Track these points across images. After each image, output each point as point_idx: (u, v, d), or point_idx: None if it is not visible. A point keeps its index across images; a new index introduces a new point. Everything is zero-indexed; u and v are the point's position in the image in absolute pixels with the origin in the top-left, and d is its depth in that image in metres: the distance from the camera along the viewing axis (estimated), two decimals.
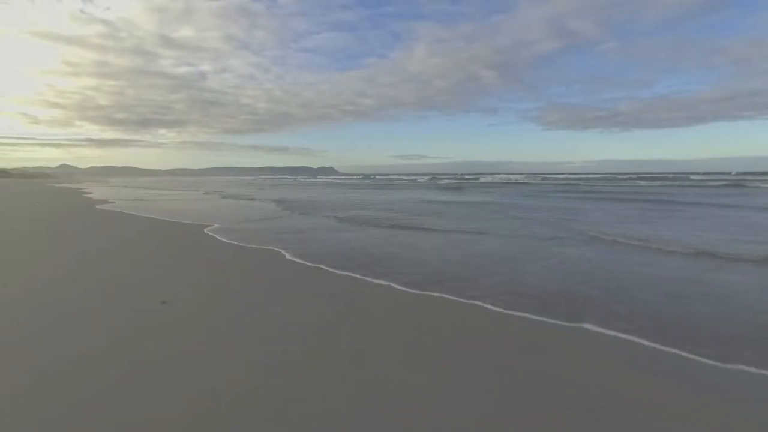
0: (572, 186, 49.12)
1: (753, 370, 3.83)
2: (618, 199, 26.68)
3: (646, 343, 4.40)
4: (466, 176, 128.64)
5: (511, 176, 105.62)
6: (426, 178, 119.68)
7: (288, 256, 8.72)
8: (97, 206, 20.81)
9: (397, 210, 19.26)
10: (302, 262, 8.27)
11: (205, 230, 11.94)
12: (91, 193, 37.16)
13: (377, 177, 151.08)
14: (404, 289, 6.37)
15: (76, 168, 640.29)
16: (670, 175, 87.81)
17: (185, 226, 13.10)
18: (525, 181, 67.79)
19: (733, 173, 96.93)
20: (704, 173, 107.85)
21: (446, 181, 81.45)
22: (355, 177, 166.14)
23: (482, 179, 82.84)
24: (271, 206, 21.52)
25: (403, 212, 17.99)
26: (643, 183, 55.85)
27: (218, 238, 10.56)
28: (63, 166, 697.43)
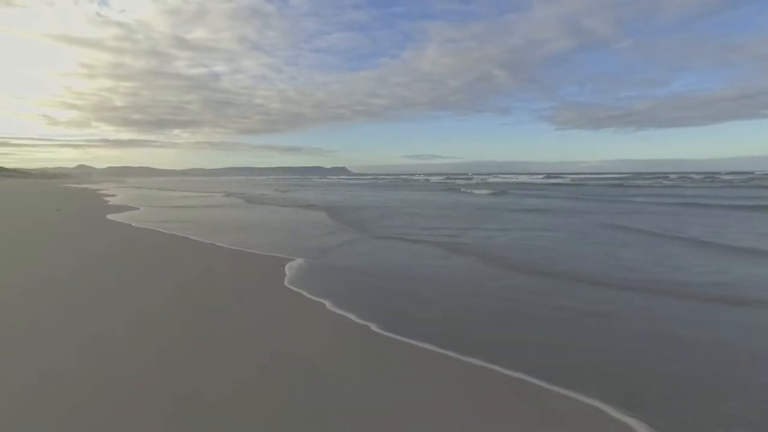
0: (624, 188, 44.19)
1: None
2: (747, 206, 20.72)
3: None
4: (476, 175, 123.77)
5: (530, 176, 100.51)
6: (440, 177, 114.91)
7: None
8: (120, 215, 16.26)
9: (499, 223, 14.55)
10: None
11: (288, 284, 6.89)
12: (113, 195, 32.71)
13: (395, 176, 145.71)
14: None
15: (93, 168, 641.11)
16: (698, 176, 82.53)
17: (253, 262, 8.53)
18: (562, 182, 62.51)
19: (755, 173, 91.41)
20: (727, 173, 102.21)
21: (460, 181, 76.40)
22: (367, 177, 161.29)
23: (518, 180, 77.78)
24: (321, 218, 16.73)
25: (521, 230, 12.95)
26: (667, 183, 50.60)
27: (339, 313, 5.41)
28: (81, 166, 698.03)
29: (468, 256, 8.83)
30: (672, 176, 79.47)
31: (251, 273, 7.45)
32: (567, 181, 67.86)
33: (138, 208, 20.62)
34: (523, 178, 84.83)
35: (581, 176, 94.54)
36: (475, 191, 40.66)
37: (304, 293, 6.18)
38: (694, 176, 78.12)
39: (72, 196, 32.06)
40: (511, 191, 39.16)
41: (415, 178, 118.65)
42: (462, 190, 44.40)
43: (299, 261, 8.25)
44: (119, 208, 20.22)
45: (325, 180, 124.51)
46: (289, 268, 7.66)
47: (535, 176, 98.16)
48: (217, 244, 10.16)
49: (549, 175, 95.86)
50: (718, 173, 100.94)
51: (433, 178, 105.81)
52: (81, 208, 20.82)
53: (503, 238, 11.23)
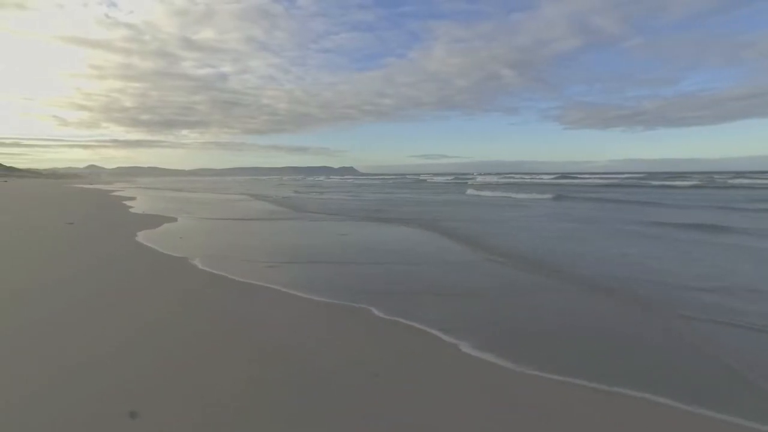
0: (683, 191, 39.30)
1: None
2: None
3: None
4: (481, 175, 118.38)
5: (537, 176, 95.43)
6: (449, 177, 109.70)
7: None
8: (155, 234, 11.25)
9: (707, 255, 9.75)
10: None
11: None
12: (132, 198, 27.19)
13: (401, 176, 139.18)
14: None
15: (103, 168, 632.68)
16: (719, 176, 77.85)
17: None
18: (595, 183, 57.41)
19: None
20: (751, 172, 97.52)
21: (472, 181, 71.25)
22: (376, 177, 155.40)
23: (539, 180, 72.75)
24: (445, 243, 11.41)
25: None
26: (689, 184, 45.70)
27: None
28: (91, 166, 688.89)
29: None
30: (694, 176, 74.63)
31: None
32: (591, 181, 63.07)
33: (175, 219, 15.46)
34: (530, 178, 79.89)
35: (597, 176, 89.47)
36: (522, 195, 35.74)
37: None
38: (714, 176, 73.30)
39: (85, 200, 26.93)
40: (566, 195, 34.11)
41: (421, 177, 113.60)
42: (475, 191, 39.49)
43: None
44: (148, 220, 15.10)
45: (332, 180, 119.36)
46: None
47: (544, 176, 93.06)
48: (442, 334, 5.04)
49: (563, 175, 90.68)
50: (746, 172, 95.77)
51: (440, 178, 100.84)
52: (98, 219, 15.76)
53: None
